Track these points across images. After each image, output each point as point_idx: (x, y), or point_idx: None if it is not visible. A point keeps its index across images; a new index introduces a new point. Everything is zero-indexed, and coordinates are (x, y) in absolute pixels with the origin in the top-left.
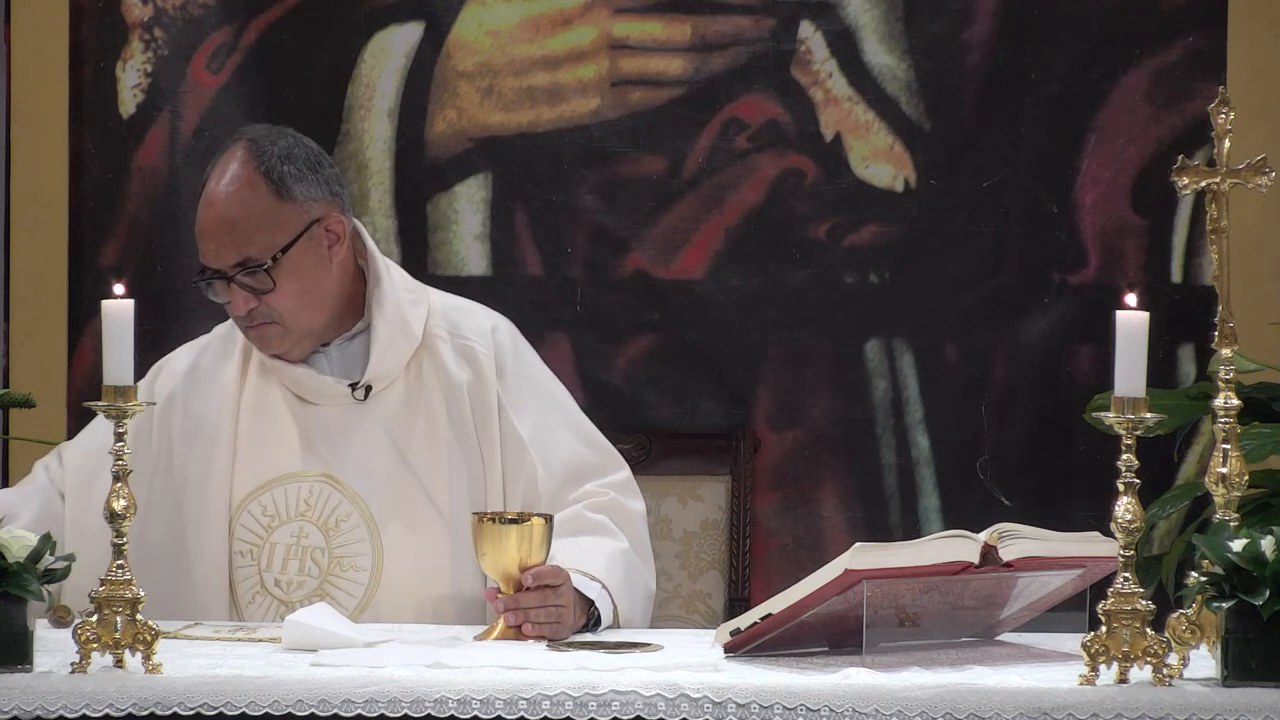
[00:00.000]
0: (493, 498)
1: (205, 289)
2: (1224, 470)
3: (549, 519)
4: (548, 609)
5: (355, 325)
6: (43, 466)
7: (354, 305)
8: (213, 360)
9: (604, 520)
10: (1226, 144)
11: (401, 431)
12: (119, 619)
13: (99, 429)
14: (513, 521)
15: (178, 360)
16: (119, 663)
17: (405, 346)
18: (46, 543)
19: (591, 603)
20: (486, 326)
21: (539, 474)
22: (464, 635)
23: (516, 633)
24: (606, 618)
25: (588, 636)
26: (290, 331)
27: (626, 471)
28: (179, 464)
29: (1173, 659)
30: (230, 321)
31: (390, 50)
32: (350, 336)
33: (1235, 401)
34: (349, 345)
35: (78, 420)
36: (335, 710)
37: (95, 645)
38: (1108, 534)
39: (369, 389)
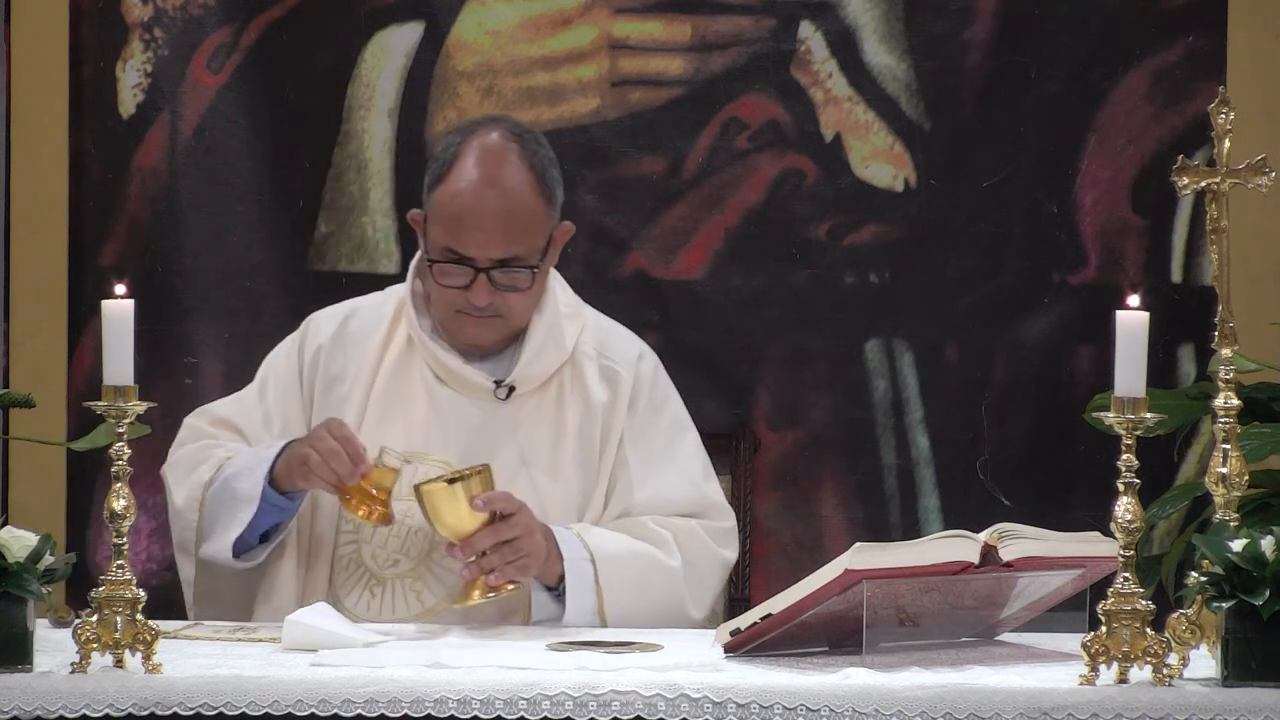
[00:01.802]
0: (590, 519)
1: (440, 270)
2: (1224, 470)
3: (486, 467)
4: (502, 548)
5: None
6: (190, 428)
7: None
8: (359, 326)
9: (665, 535)
10: (1226, 144)
11: (529, 438)
12: (119, 619)
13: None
14: (451, 481)
15: (327, 319)
16: (119, 663)
17: (555, 357)
18: (46, 543)
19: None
20: (633, 352)
21: (635, 510)
22: (464, 635)
23: (490, 588)
24: (579, 580)
25: (587, 636)
26: (510, 327)
27: (731, 524)
28: (314, 419)
29: (1173, 659)
30: (385, 293)
31: (390, 50)
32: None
33: (1235, 401)
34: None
35: (77, 420)
36: (335, 710)
37: (95, 645)
38: (1108, 534)
39: (511, 389)
